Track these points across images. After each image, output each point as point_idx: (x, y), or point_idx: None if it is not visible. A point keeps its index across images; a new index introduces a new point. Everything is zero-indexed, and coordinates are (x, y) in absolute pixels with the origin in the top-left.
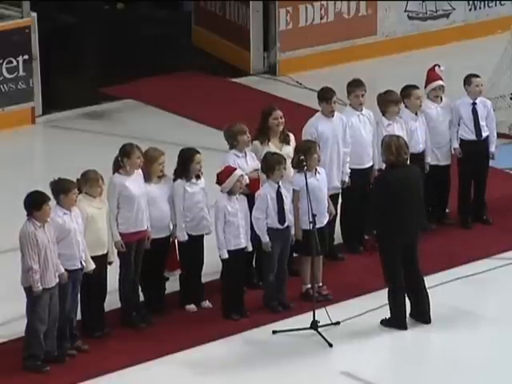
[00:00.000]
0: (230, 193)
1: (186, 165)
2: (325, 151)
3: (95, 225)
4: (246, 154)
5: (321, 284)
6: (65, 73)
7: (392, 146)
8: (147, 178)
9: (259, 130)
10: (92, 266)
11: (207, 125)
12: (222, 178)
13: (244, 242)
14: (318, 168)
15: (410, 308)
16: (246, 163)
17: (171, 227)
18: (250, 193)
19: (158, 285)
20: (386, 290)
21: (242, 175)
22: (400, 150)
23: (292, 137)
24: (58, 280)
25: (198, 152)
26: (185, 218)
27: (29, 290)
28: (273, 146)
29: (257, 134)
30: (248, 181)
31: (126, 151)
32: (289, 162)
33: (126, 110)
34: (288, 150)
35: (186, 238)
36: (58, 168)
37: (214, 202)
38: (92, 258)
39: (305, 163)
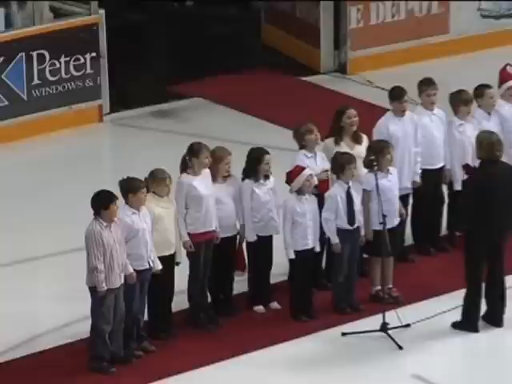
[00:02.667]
0: (299, 193)
1: (255, 165)
2: (395, 151)
3: (162, 225)
4: (315, 154)
5: (391, 285)
6: (133, 71)
7: (483, 142)
8: (214, 178)
9: (332, 129)
10: (160, 266)
11: (276, 124)
12: (291, 176)
13: (311, 242)
14: (390, 168)
15: (484, 310)
16: (316, 164)
17: (237, 226)
18: (319, 193)
19: (226, 285)
20: (458, 291)
21: (311, 175)
22: (492, 147)
23: (365, 138)
24: (123, 280)
25: (267, 152)
26: (253, 219)
27: (93, 290)
28: (344, 146)
29: (329, 132)
30: (317, 182)
31: (194, 150)
32: (360, 162)
33: (194, 109)
34: (360, 151)
35: (255, 238)
36: (126, 167)
37: (283, 202)
38: (159, 258)
39: (375, 163)
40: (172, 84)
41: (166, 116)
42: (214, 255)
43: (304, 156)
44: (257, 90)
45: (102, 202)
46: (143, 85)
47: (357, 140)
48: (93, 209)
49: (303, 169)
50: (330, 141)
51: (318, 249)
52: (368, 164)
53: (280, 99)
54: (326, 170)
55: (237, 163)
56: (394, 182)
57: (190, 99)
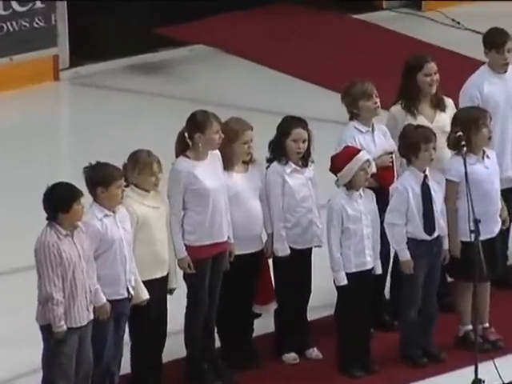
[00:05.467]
0: (351, 187)
1: (281, 142)
2: (493, 124)
3: (150, 233)
4: (373, 127)
5: (487, 325)
6: (103, 7)
7: None
8: (227, 165)
9: (402, 92)
10: (145, 295)
11: (316, 83)
12: (337, 163)
13: (371, 260)
14: (487, 150)
15: None
16: (373, 142)
17: (264, 238)
18: (379, 187)
19: (243, 324)
20: None
21: (368, 160)
22: None
23: (450, 102)
24: (92, 316)
25: (301, 124)
26: (285, 223)
27: (47, 329)
28: (420, 115)
29: (398, 97)
30: (375, 169)
31: (197, 123)
32: (443, 139)
33: (195, 61)
34: (443, 121)
35: (288, 252)
36: (93, 146)
37: (327, 201)
38: (146, 282)
39: (463, 142)
40: (161, 26)
41: (153, 72)
42: (227, 279)
43: (356, 131)
44: (287, 33)
45: (59, 202)
46: (118, 27)
47: (438, 105)
48: (46, 211)
49: (357, 151)
50: (397, 109)
51: (379, 270)
52: (454, 143)
53: (322, 47)
54: (390, 153)
55: (260, 142)
56: (494, 169)
57: (189, 47)
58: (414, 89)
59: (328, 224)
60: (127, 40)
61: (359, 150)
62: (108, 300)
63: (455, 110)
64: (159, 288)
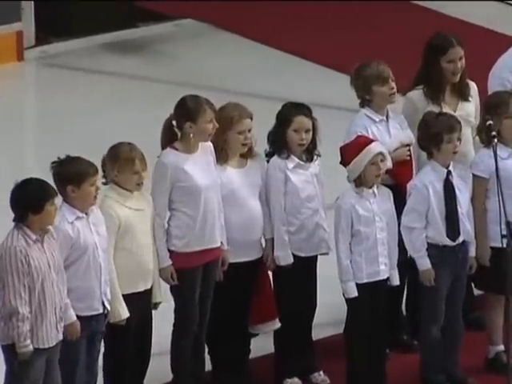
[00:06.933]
0: (360, 183)
1: (282, 133)
2: None
3: (134, 239)
4: (387, 115)
5: None
6: None
7: None
8: (221, 157)
9: (422, 77)
10: (125, 313)
11: (324, 65)
12: (346, 155)
13: (385, 269)
14: None
15: None
16: (388, 133)
17: (263, 244)
18: (395, 184)
19: (238, 344)
20: None
21: (381, 153)
22: None
23: (473, 87)
24: (61, 335)
25: (304, 111)
26: (288, 227)
27: (10, 349)
28: (444, 106)
29: (417, 81)
30: (391, 164)
31: (187, 110)
32: (466, 128)
33: (182, 39)
34: (468, 110)
35: (291, 260)
36: (63, 138)
37: (335, 199)
38: (127, 296)
39: (494, 133)
40: None
41: (134, 51)
42: (220, 291)
43: (368, 120)
44: (293, 7)
45: (30, 201)
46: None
47: (461, 93)
48: (14, 211)
49: (369, 142)
50: (417, 95)
51: (395, 281)
52: (484, 134)
53: (335, 24)
54: (408, 145)
55: (260, 133)
56: None
57: (176, 21)
58: (437, 74)
59: (336, 226)
60: (103, 14)
61: (371, 141)
62: (81, 316)
63: (477, 96)
64: (143, 302)
